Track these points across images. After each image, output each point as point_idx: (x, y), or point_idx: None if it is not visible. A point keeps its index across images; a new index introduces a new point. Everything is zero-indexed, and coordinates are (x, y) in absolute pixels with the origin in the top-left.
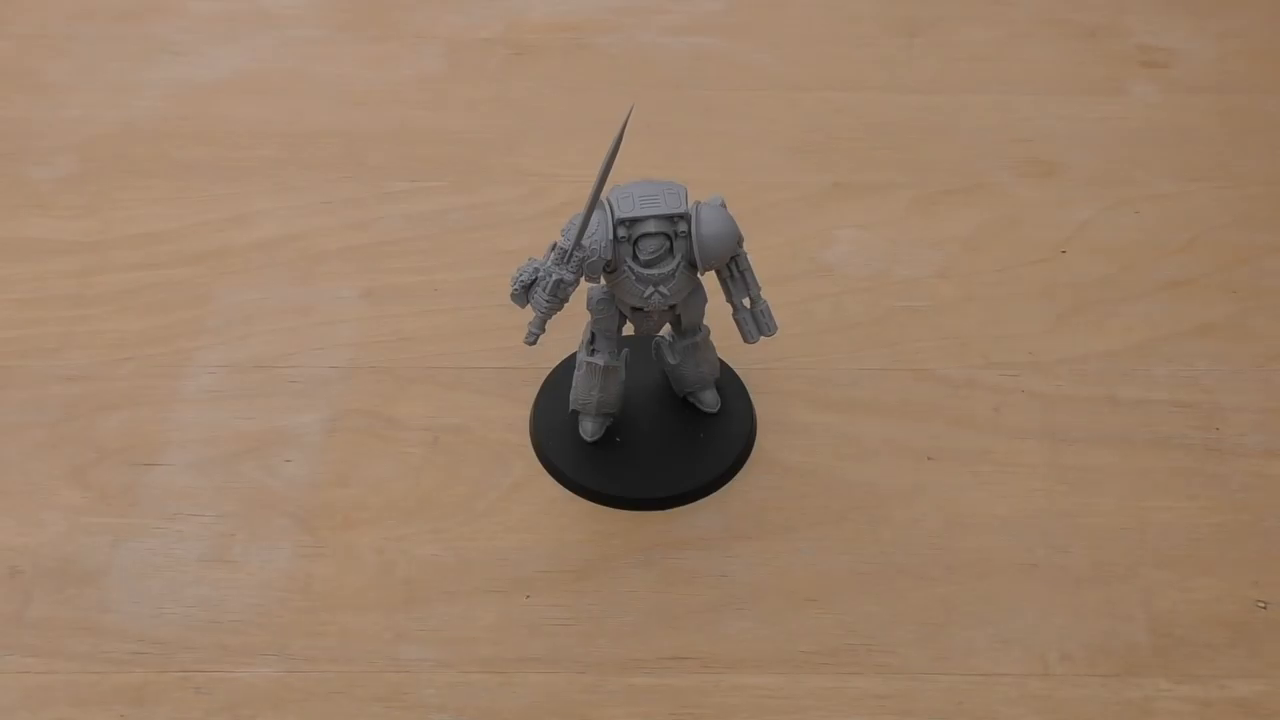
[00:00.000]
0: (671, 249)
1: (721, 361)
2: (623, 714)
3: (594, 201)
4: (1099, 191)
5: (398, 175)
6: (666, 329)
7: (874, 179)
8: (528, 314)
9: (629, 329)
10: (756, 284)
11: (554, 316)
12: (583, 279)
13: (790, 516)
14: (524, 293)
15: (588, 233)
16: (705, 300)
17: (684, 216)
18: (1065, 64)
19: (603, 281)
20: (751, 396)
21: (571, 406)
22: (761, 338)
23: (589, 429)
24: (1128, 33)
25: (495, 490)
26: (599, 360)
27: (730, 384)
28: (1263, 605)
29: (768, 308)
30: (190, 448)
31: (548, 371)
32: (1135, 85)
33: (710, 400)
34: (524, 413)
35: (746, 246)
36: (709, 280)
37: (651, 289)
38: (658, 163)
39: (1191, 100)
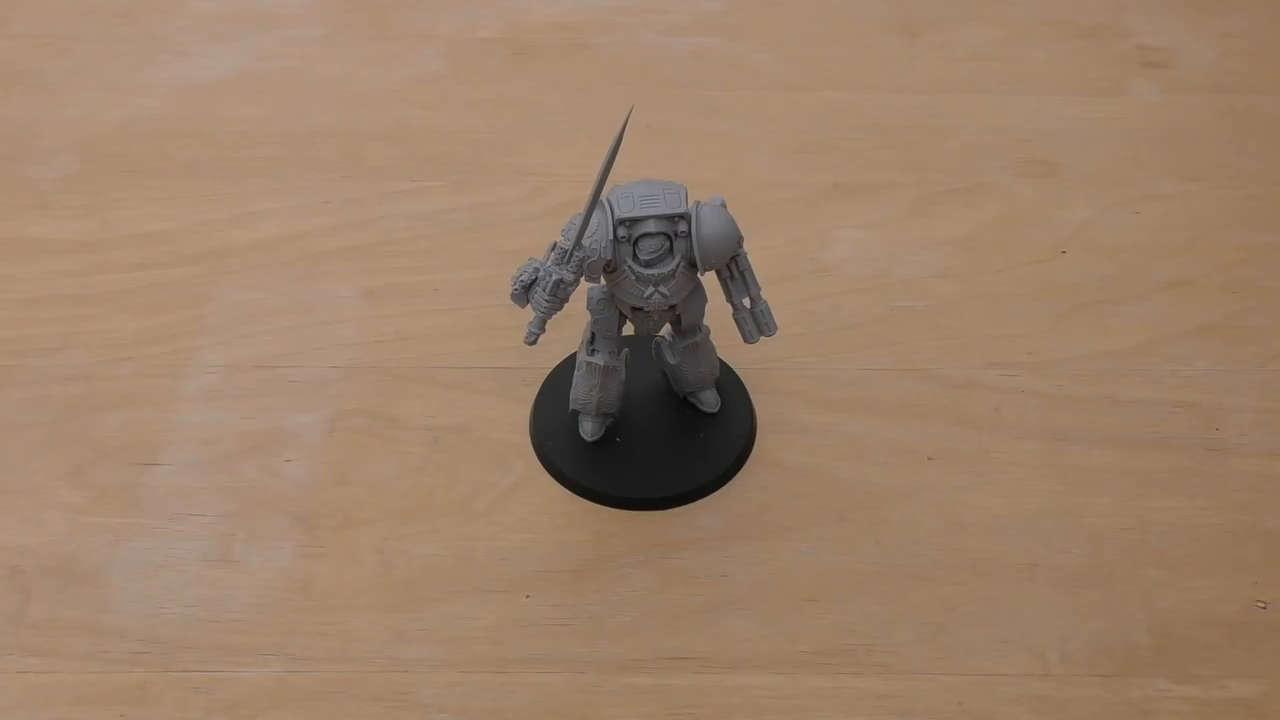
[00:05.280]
0: (671, 249)
1: (721, 361)
2: (622, 714)
3: (594, 201)
4: (1099, 191)
5: (398, 175)
6: (666, 329)
7: (874, 179)
8: (528, 314)
9: (629, 329)
10: (756, 284)
11: (554, 316)
12: (583, 279)
13: (790, 516)
14: (524, 293)
15: (588, 233)
16: (705, 300)
17: (684, 216)
18: (1065, 64)
19: (603, 281)
20: (751, 396)
21: (571, 406)
22: (761, 338)
23: (589, 429)
24: (1128, 33)
25: (495, 490)
26: (599, 360)
27: (730, 384)
28: (1263, 605)
29: (768, 308)
30: (190, 448)
31: (548, 371)
32: (1135, 85)
33: (710, 400)
34: (524, 413)
35: (746, 246)
36: (709, 280)
37: (652, 289)
38: (658, 163)
39: (1191, 100)
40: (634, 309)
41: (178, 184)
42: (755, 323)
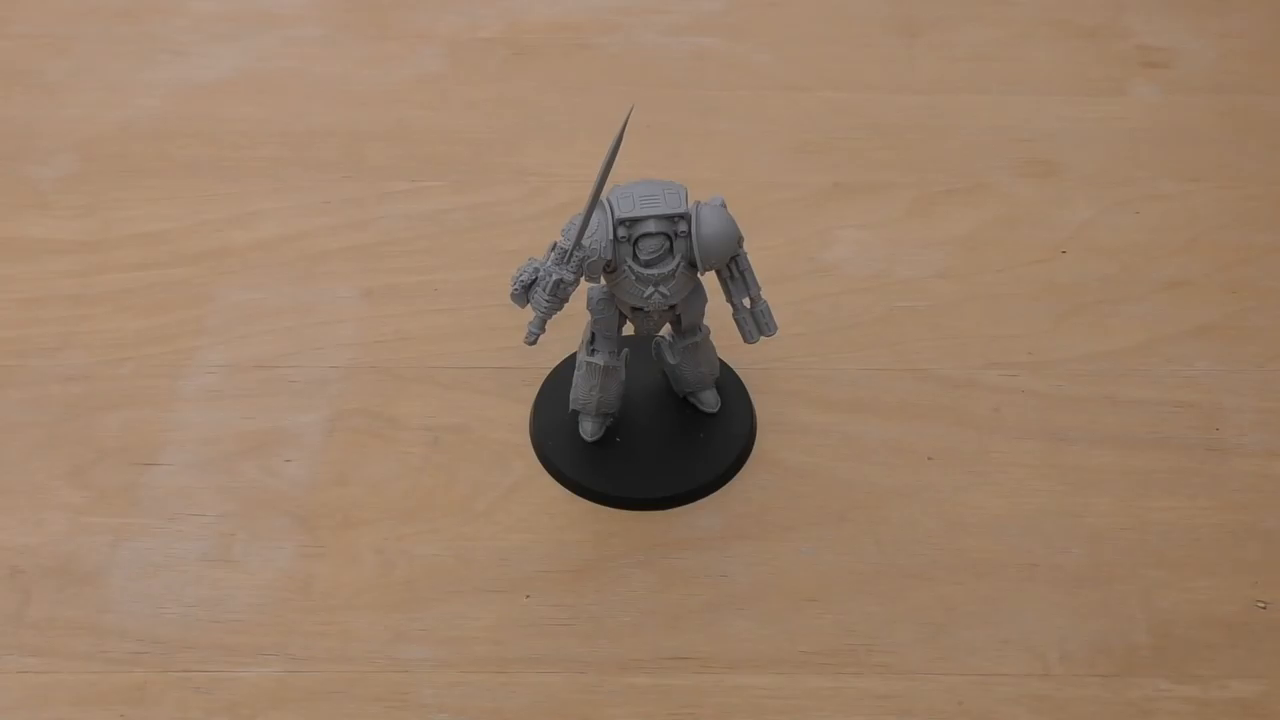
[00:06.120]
0: (671, 249)
1: (721, 361)
2: (622, 714)
3: (594, 201)
4: (1099, 191)
5: (398, 175)
6: (666, 329)
7: (874, 179)
8: (528, 314)
9: (629, 329)
10: (756, 284)
11: (554, 316)
12: (583, 279)
13: (790, 516)
14: (524, 293)
15: (588, 233)
16: (705, 300)
17: (684, 216)
18: (1065, 64)
19: (603, 281)
20: (751, 396)
21: (571, 406)
22: (761, 338)
23: (589, 429)
24: (1128, 33)
25: (495, 490)
26: (599, 360)
27: (730, 384)
28: (1263, 605)
29: (768, 308)
30: (190, 448)
31: (548, 371)
32: (1135, 85)
33: (710, 400)
34: (524, 413)
35: (746, 246)
36: (709, 280)
37: (652, 289)
38: (658, 163)
39: (1191, 100)
40: (634, 309)
41: (178, 184)
42: (755, 323)
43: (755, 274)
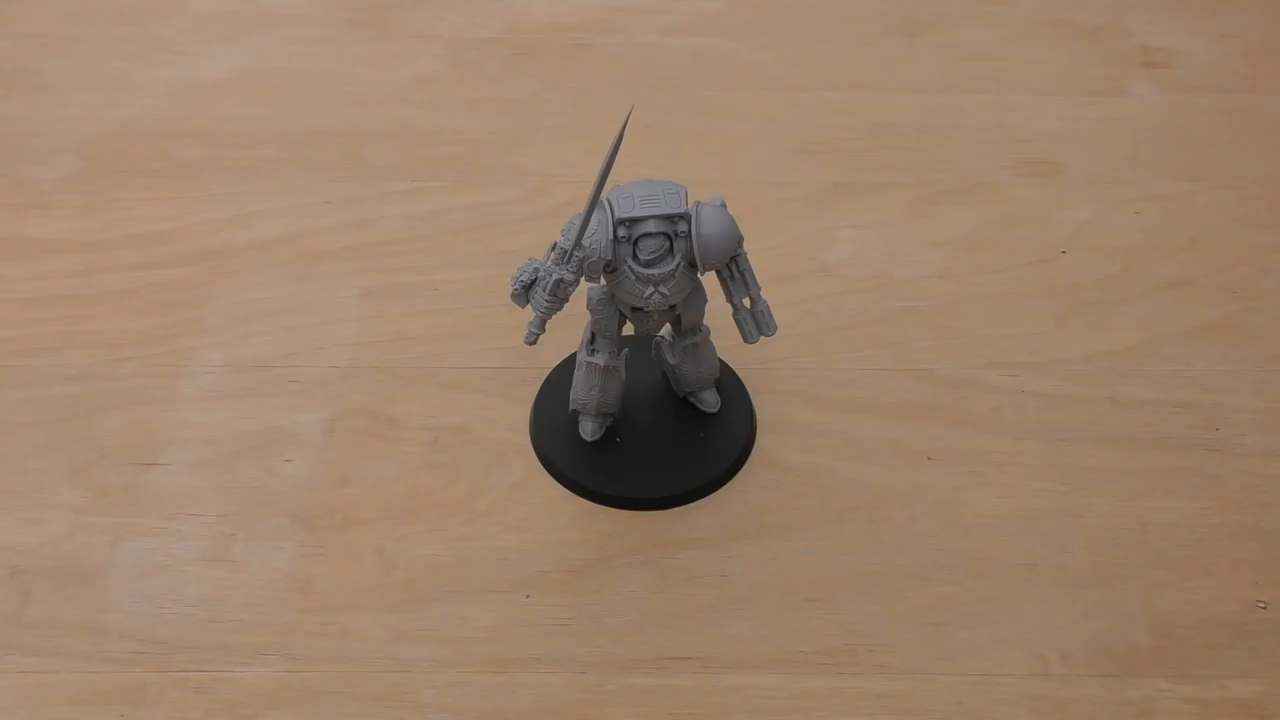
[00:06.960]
0: (671, 249)
1: (721, 361)
2: (622, 714)
3: (594, 201)
4: (1099, 191)
5: (398, 175)
6: (666, 329)
7: (874, 179)
8: (528, 314)
9: (629, 329)
10: (756, 284)
11: (554, 316)
12: (583, 279)
13: (790, 516)
14: (524, 293)
15: (588, 233)
16: (705, 300)
17: (684, 216)
18: (1065, 64)
19: (603, 281)
20: (751, 396)
21: (571, 406)
22: (761, 338)
23: (589, 429)
24: (1128, 33)
25: (495, 490)
26: (599, 360)
27: (730, 384)
28: (1263, 605)
29: (767, 308)
30: (190, 448)
31: (548, 371)
32: (1135, 85)
33: (710, 400)
34: (524, 413)
35: (746, 246)
36: (709, 280)
37: (652, 289)
38: (658, 163)
39: (1191, 100)
40: (634, 309)
41: (178, 184)
42: (755, 323)
43: (755, 274)
